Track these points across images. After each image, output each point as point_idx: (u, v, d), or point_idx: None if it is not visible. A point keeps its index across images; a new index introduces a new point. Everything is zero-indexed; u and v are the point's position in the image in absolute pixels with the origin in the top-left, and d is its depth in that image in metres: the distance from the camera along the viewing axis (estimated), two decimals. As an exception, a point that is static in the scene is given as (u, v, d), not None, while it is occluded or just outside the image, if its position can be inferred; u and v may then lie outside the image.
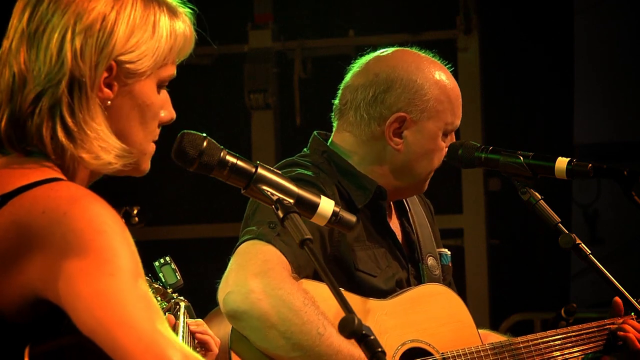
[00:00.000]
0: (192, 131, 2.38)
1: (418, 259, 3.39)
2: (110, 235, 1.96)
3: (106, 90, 2.11)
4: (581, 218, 7.82)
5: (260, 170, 2.36)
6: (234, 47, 7.18)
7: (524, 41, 6.97)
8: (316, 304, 3.00)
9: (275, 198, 2.34)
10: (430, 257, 3.43)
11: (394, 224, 3.40)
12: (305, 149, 3.38)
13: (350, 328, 2.08)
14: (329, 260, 3.14)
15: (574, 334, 3.41)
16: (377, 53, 3.39)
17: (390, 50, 3.40)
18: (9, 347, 1.99)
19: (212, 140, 2.37)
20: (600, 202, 7.85)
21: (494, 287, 6.99)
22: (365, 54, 3.40)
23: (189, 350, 1.96)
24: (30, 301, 1.98)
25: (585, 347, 3.42)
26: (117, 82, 2.12)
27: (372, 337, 2.08)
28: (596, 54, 7.65)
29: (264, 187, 2.35)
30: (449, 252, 3.52)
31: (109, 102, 2.11)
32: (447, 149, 3.36)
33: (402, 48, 3.40)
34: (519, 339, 3.34)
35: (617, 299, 3.46)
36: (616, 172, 3.17)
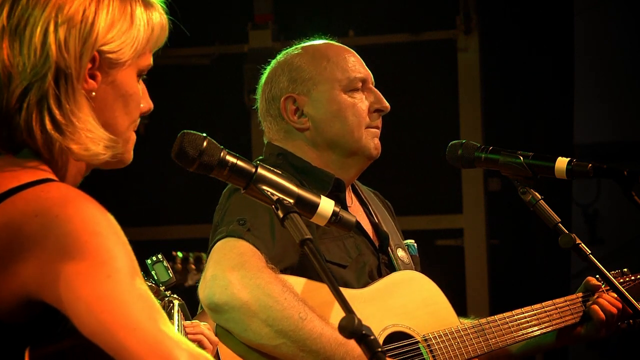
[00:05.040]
0: (192, 131, 2.38)
1: (388, 248, 3.44)
2: (104, 235, 1.96)
3: (90, 81, 2.12)
4: (581, 218, 7.83)
5: (260, 170, 2.36)
6: (234, 47, 7.18)
7: (524, 41, 6.97)
8: (295, 291, 3.03)
9: (275, 198, 2.34)
10: (400, 249, 3.48)
11: (360, 216, 3.45)
12: (260, 157, 3.44)
13: (350, 328, 2.08)
14: (299, 252, 3.16)
15: (548, 308, 3.50)
16: None
17: None
18: (6, 349, 1.99)
19: (212, 140, 2.38)
20: (600, 202, 7.85)
21: (494, 287, 6.99)
22: None
23: (194, 348, 1.96)
24: (23, 303, 1.98)
25: (560, 321, 3.52)
26: (100, 73, 2.13)
27: (372, 337, 2.08)
28: (596, 54, 7.65)
29: (264, 187, 2.35)
30: (415, 243, 3.56)
31: (94, 93, 2.12)
32: (367, 101, 3.39)
33: None
34: (496, 317, 3.42)
35: (590, 278, 3.58)
36: (616, 172, 3.17)
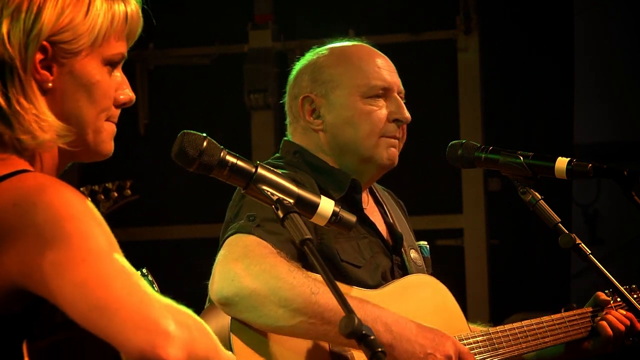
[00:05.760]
0: (192, 131, 2.39)
1: (402, 249, 3.42)
2: (81, 219, 1.97)
3: (43, 72, 2.12)
4: (581, 218, 7.83)
5: (260, 170, 2.36)
6: (234, 47, 7.18)
7: (524, 41, 6.97)
8: (303, 270, 2.98)
9: (275, 198, 2.34)
10: (413, 250, 3.46)
11: (376, 217, 3.43)
12: (277, 154, 3.42)
13: (351, 328, 2.08)
14: None
15: (557, 321, 3.51)
16: None
17: None
18: (3, 342, 2.00)
19: (212, 140, 2.38)
20: (600, 202, 7.85)
21: (494, 287, 6.99)
22: None
23: (179, 310, 1.97)
24: (12, 293, 1.99)
25: (567, 334, 3.52)
26: (55, 64, 2.13)
27: (372, 337, 2.08)
28: (596, 54, 7.65)
29: (264, 187, 2.36)
30: (427, 244, 3.55)
31: (50, 84, 2.13)
32: (387, 109, 3.35)
33: None
34: (506, 327, 3.41)
35: (600, 293, 3.61)
36: (616, 172, 3.17)
